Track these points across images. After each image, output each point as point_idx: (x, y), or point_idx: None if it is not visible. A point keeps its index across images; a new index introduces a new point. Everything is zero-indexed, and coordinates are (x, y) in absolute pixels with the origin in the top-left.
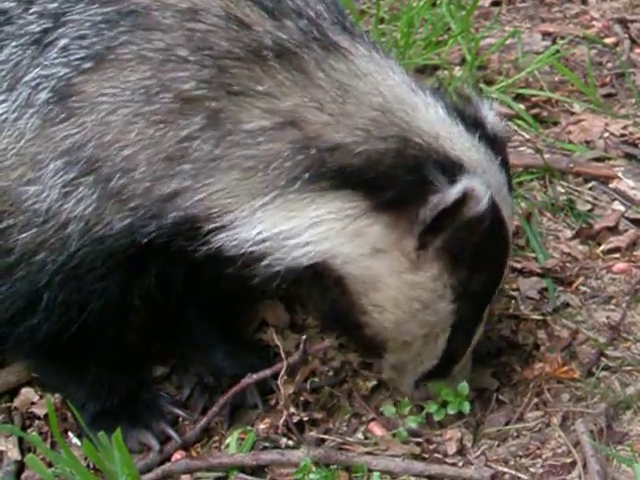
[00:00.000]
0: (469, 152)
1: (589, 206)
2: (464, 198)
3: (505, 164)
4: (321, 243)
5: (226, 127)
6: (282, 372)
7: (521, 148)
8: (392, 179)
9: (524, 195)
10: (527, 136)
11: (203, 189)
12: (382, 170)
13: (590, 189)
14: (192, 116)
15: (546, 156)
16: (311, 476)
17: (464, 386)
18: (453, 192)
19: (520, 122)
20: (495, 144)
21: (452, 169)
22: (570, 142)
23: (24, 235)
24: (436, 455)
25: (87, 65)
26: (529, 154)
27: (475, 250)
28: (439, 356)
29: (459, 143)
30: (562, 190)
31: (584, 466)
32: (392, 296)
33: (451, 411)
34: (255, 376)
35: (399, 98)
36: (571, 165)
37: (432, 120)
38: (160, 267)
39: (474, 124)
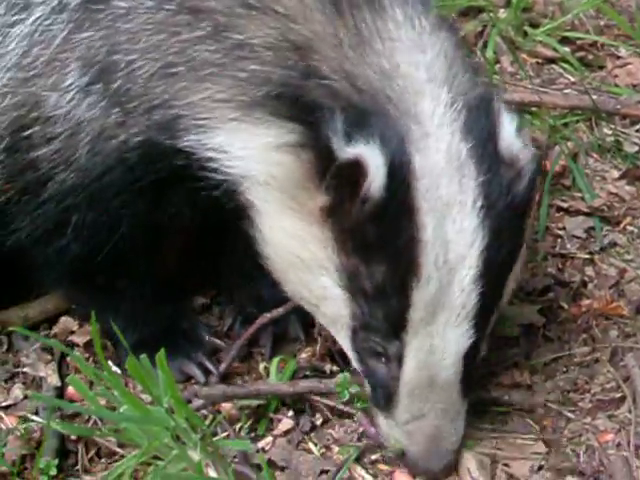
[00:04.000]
0: (432, 154)
1: (636, 148)
2: (359, 168)
3: (497, 192)
4: (244, 160)
5: (230, 38)
6: None
7: (566, 90)
8: (335, 127)
9: (570, 136)
10: (572, 79)
11: (194, 94)
12: (333, 116)
13: (637, 131)
14: (197, 25)
15: (593, 97)
16: (352, 390)
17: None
18: (347, 151)
19: (565, 65)
20: (505, 166)
21: (389, 155)
22: (616, 85)
23: (47, 149)
24: None
25: None
26: (575, 95)
27: (362, 234)
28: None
29: (428, 139)
30: (609, 132)
31: (634, 400)
32: (278, 238)
33: None
34: (269, 315)
35: (407, 76)
36: (618, 107)
37: (423, 112)
38: (184, 194)
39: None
